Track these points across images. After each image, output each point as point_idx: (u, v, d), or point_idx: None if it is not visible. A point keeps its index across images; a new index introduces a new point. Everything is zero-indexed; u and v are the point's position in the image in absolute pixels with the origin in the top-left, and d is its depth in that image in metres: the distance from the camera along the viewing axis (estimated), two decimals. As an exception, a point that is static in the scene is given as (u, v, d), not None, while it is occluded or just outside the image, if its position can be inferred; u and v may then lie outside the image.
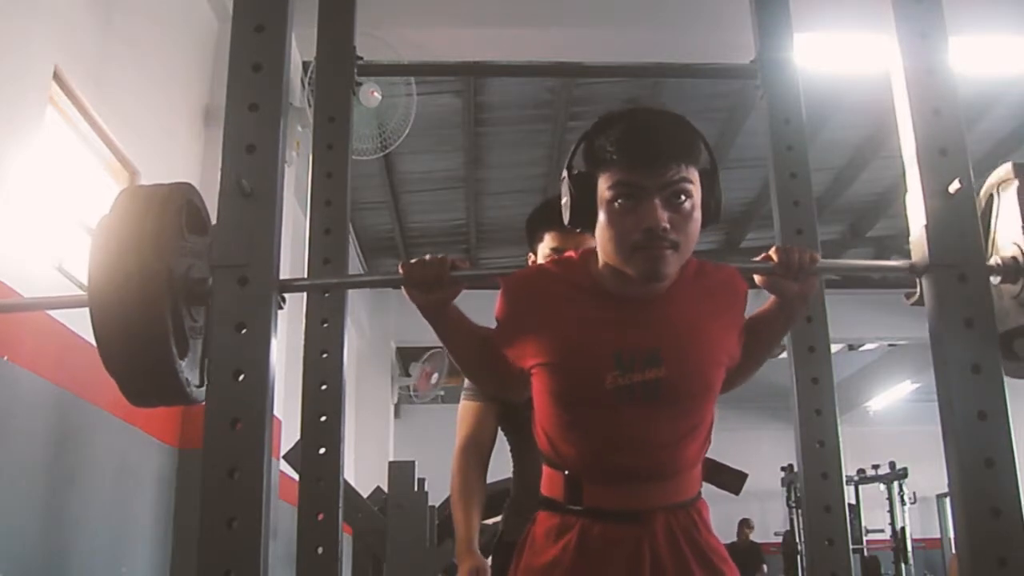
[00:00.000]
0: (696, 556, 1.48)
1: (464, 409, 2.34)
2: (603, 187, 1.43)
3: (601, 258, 1.48)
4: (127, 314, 1.52)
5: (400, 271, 1.50)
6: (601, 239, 1.45)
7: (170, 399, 1.69)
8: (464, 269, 1.51)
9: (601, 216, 1.43)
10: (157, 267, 1.54)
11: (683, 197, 1.40)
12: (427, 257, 1.49)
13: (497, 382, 1.65)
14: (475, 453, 2.30)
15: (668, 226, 1.38)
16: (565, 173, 1.49)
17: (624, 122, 1.45)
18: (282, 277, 1.69)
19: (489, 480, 2.44)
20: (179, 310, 1.61)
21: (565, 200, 1.49)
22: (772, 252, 1.55)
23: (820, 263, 1.58)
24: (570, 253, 1.59)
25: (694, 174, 1.43)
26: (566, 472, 1.50)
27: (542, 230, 2.20)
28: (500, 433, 2.34)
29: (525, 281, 1.56)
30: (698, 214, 1.44)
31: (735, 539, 10.95)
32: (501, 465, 2.40)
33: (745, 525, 11.04)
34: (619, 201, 1.40)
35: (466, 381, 2.31)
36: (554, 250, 2.14)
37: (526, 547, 1.55)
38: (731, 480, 1.77)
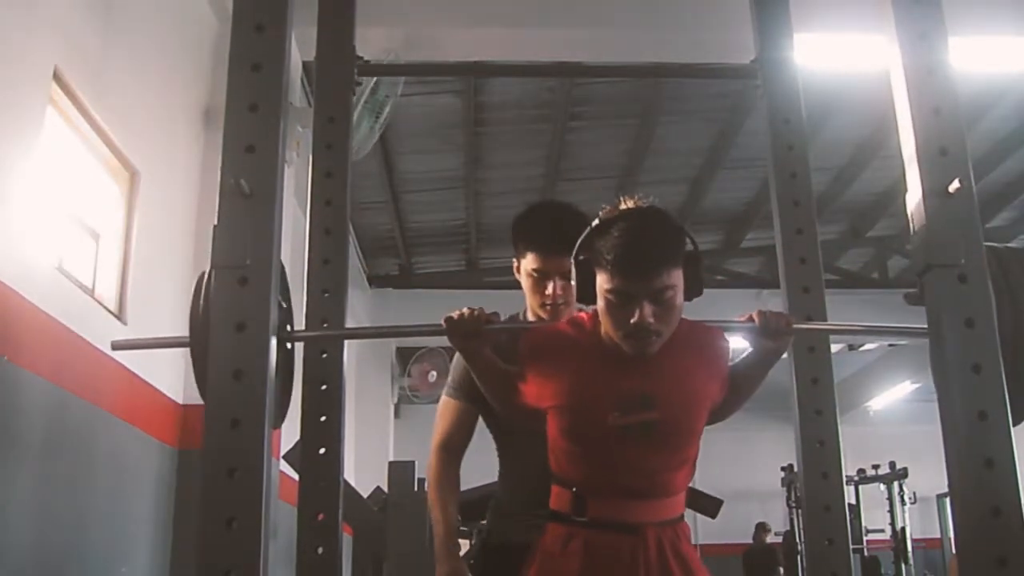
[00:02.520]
0: (679, 564, 1.76)
1: (444, 406, 2.29)
2: (601, 283, 1.71)
3: (603, 328, 1.77)
4: None
5: (443, 324, 1.78)
6: (602, 318, 1.75)
7: None
8: (496, 322, 1.81)
9: (600, 303, 1.73)
10: None
11: (667, 294, 1.68)
12: (465, 312, 1.77)
13: (518, 413, 1.90)
14: (451, 451, 2.26)
15: (653, 320, 1.67)
16: (573, 258, 1.77)
17: (619, 230, 1.69)
18: (283, 277, 1.69)
19: (474, 484, 2.42)
20: None
21: (574, 282, 1.77)
22: (754, 315, 1.81)
23: (795, 327, 1.81)
24: (582, 315, 1.87)
25: (677, 274, 1.70)
26: (573, 489, 1.78)
27: (524, 247, 2.20)
28: (487, 436, 2.30)
29: (544, 338, 1.86)
30: (680, 300, 1.72)
31: (751, 541, 10.96)
32: (493, 467, 2.37)
33: (762, 529, 11.04)
34: (613, 298, 1.69)
35: (451, 378, 2.28)
36: (536, 271, 2.15)
37: (537, 556, 1.81)
38: (709, 505, 2.04)
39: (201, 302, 1.72)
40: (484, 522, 2.41)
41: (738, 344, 1.95)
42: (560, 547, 1.77)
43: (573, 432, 1.78)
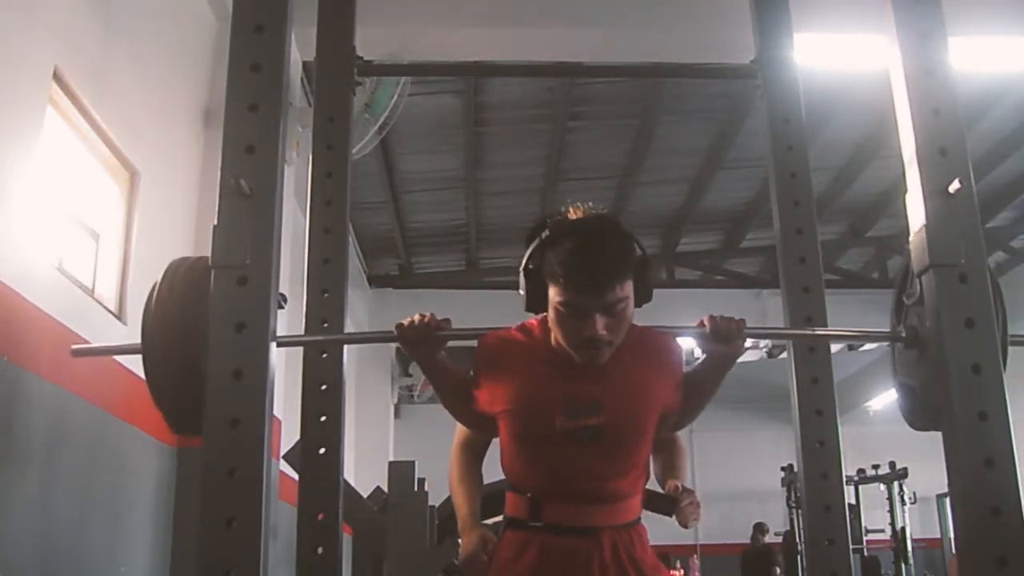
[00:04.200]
0: (634, 568, 1.77)
1: None
2: (553, 296, 1.71)
3: (553, 336, 1.78)
4: (171, 361, 1.71)
5: (395, 330, 1.78)
6: (552, 329, 1.76)
7: None
8: (447, 329, 1.79)
9: (552, 314, 1.73)
10: (195, 326, 1.70)
11: (619, 306, 1.69)
12: (416, 319, 1.77)
13: (471, 419, 1.94)
14: (470, 450, 2.35)
15: (605, 332, 1.68)
16: (523, 268, 1.77)
17: (571, 244, 1.69)
18: (282, 278, 1.70)
19: (487, 480, 2.46)
20: None
21: (522, 291, 1.78)
22: (705, 320, 1.79)
23: (745, 330, 1.79)
24: (532, 321, 1.87)
25: (629, 285, 1.70)
26: (528, 495, 1.80)
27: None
28: None
29: (495, 343, 1.87)
30: (631, 310, 1.73)
31: (748, 542, 10.96)
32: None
33: (759, 530, 11.04)
34: (565, 311, 1.69)
35: None
36: None
37: (493, 564, 1.83)
38: (665, 505, 2.04)
39: (152, 309, 1.73)
40: (499, 518, 2.45)
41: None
42: (515, 554, 1.78)
43: (522, 436, 1.80)
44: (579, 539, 1.75)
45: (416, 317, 1.77)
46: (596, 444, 1.74)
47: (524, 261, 1.77)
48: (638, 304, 1.74)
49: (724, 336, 1.78)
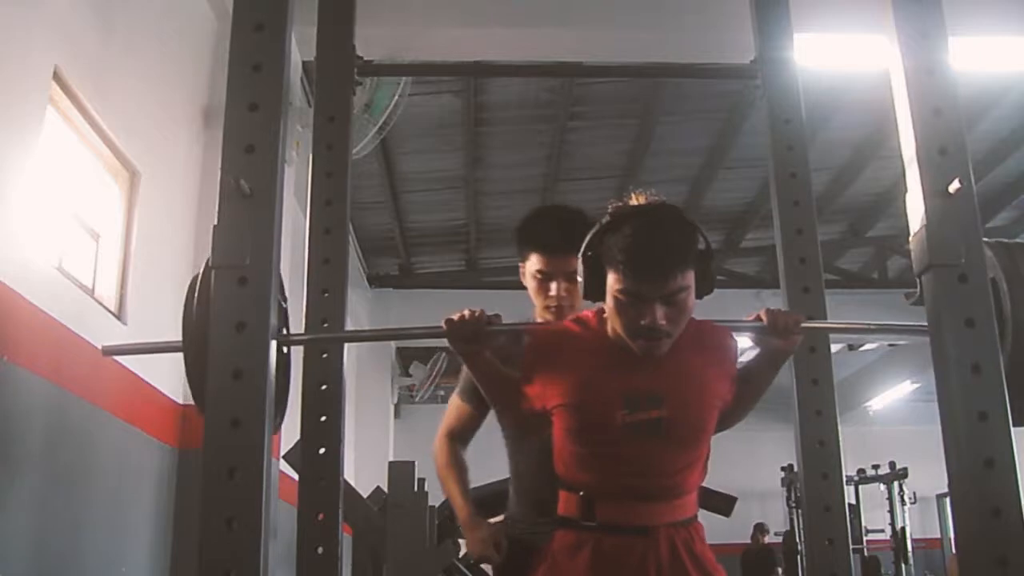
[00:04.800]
0: (694, 565, 1.72)
1: (453, 405, 2.40)
2: (612, 282, 1.67)
3: (611, 326, 1.74)
4: None
5: (444, 326, 1.73)
6: (610, 316, 1.72)
7: None
8: (498, 324, 1.75)
9: (610, 301, 1.69)
10: None
11: (680, 296, 1.65)
12: (466, 313, 1.71)
13: (519, 417, 1.87)
14: (456, 439, 2.41)
15: (665, 322, 1.64)
16: (582, 254, 1.73)
17: (632, 229, 1.65)
18: (283, 278, 1.69)
19: (486, 480, 2.46)
20: None
21: (581, 279, 1.74)
22: (762, 314, 1.77)
23: (804, 324, 1.79)
24: (587, 313, 1.83)
25: (690, 275, 1.66)
26: (581, 493, 1.75)
27: (528, 249, 2.25)
28: (490, 437, 2.37)
29: (550, 336, 1.85)
30: (692, 300, 1.68)
31: (748, 542, 10.96)
32: (501, 465, 2.41)
33: (759, 530, 11.04)
34: (624, 299, 1.65)
35: (461, 382, 2.36)
36: (540, 272, 2.20)
37: (546, 561, 1.78)
38: (722, 504, 1.94)
39: (195, 305, 1.70)
40: (498, 519, 2.46)
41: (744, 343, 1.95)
42: (569, 555, 1.73)
43: (580, 432, 1.74)
44: (634, 538, 1.70)
45: (466, 312, 1.71)
46: (658, 438, 1.69)
47: (583, 247, 1.72)
48: (699, 296, 1.70)
49: (782, 330, 1.75)
